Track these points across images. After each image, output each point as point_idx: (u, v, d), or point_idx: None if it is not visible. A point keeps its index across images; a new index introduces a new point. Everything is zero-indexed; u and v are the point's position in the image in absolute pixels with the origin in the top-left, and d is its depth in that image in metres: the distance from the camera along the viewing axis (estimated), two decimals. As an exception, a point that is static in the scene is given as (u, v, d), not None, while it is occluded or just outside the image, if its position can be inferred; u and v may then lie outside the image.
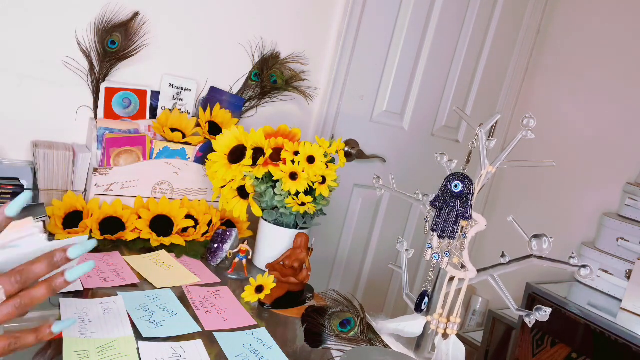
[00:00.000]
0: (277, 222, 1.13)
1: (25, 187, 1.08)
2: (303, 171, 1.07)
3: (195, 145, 1.24)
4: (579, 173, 1.93)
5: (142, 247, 1.09)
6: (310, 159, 1.08)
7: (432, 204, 0.78)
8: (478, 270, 0.76)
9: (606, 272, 1.66)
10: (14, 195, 1.04)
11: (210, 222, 1.19)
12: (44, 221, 0.97)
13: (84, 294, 0.85)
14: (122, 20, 1.19)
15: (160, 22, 1.26)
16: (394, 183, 0.93)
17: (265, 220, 1.14)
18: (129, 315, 0.79)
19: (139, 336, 0.75)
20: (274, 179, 1.08)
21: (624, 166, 1.81)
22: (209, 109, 1.30)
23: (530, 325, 0.71)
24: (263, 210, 1.13)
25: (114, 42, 1.18)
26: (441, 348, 0.78)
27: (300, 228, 1.13)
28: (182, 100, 1.30)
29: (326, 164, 1.10)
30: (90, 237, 0.60)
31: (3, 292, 0.52)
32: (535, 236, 0.67)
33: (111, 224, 1.08)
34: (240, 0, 1.37)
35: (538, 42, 2.09)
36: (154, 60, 1.27)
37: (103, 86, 1.19)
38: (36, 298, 0.54)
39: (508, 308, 0.86)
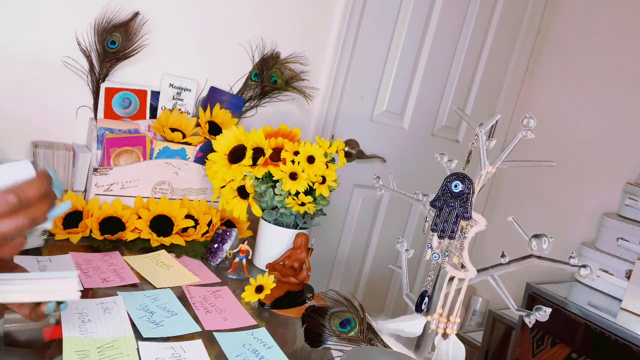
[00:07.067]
0: (277, 222, 1.13)
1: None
2: (303, 171, 1.07)
3: (195, 145, 1.24)
4: (579, 173, 1.93)
5: (142, 247, 1.09)
6: (310, 159, 1.08)
7: (432, 204, 0.78)
8: (478, 270, 0.76)
9: (606, 272, 1.66)
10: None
11: (210, 222, 1.19)
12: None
13: (84, 294, 0.85)
14: (122, 20, 1.19)
15: (161, 22, 1.26)
16: (394, 183, 0.93)
17: (265, 220, 1.14)
18: (129, 315, 0.80)
19: (139, 336, 0.75)
20: (274, 179, 1.08)
21: (624, 166, 1.81)
22: (209, 109, 1.30)
23: (530, 325, 0.71)
24: (263, 210, 1.13)
25: (114, 42, 1.18)
26: (441, 348, 0.78)
27: (300, 228, 1.13)
28: (182, 100, 1.30)
29: (326, 164, 1.10)
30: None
31: None
32: (535, 236, 0.67)
33: (111, 224, 1.08)
34: (241, 1, 1.37)
35: (538, 42, 2.09)
36: (154, 60, 1.27)
37: (103, 86, 1.19)
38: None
39: (508, 308, 0.86)
